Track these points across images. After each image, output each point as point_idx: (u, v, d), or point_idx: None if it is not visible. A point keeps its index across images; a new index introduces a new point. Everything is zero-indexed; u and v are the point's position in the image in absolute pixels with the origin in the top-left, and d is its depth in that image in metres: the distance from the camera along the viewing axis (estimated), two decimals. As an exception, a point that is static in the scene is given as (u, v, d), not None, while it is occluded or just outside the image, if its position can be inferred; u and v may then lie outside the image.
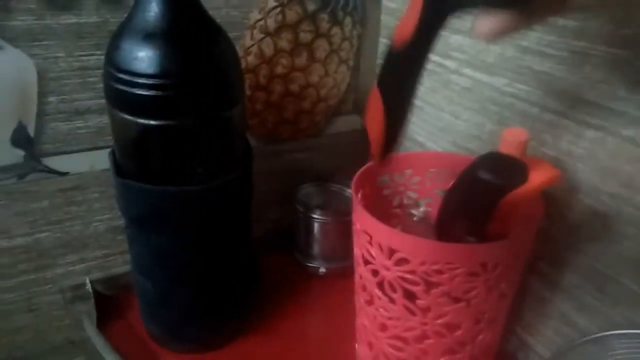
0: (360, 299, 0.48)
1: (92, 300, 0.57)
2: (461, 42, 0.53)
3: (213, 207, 0.46)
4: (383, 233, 0.40)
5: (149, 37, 0.39)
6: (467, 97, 0.54)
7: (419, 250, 0.38)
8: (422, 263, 0.38)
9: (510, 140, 0.35)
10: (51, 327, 0.59)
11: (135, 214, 0.46)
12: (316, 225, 0.62)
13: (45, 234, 0.55)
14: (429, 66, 0.58)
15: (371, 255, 0.42)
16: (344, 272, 0.64)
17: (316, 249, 0.64)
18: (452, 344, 0.44)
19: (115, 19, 0.49)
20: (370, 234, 0.41)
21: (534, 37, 0.45)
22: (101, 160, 0.54)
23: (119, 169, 0.45)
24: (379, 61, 0.67)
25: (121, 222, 0.58)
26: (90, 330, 0.55)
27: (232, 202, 0.48)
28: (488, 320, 0.44)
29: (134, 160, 0.44)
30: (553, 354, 0.39)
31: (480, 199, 0.34)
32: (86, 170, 0.54)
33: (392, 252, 0.39)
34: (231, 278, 0.52)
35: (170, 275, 0.49)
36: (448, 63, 0.56)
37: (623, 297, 0.42)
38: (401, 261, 0.39)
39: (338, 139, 0.71)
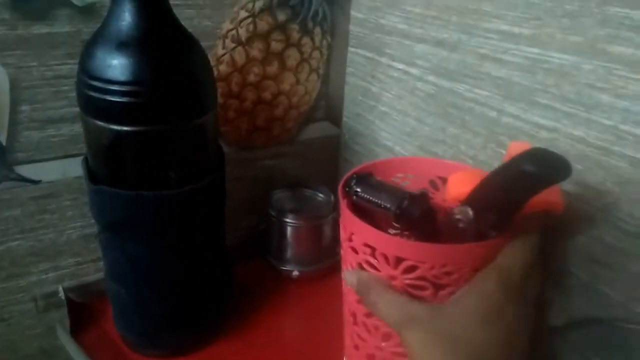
0: (356, 312, 0.48)
1: (66, 308, 0.57)
2: (425, 50, 0.56)
3: (186, 212, 0.47)
4: (389, 243, 0.40)
5: (122, 45, 0.40)
6: (431, 103, 0.57)
7: (428, 255, 0.39)
8: (432, 267, 0.39)
9: (514, 153, 0.37)
10: (23, 336, 0.59)
11: (108, 219, 0.46)
12: (289, 230, 0.63)
13: (18, 242, 0.55)
14: (395, 74, 0.61)
15: (374, 268, 0.42)
16: (316, 275, 0.65)
17: (289, 252, 0.65)
18: None
19: (88, 29, 0.50)
20: (373, 246, 0.41)
21: (491, 44, 0.48)
22: (73, 168, 0.54)
23: (92, 175, 0.46)
24: (349, 69, 0.69)
25: (93, 229, 0.58)
26: (64, 338, 0.55)
27: (206, 207, 0.49)
28: None
29: (107, 167, 0.45)
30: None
31: (520, 191, 0.35)
32: (59, 178, 0.55)
33: (398, 260, 0.40)
34: (205, 283, 0.52)
35: (144, 281, 0.49)
36: (413, 71, 0.58)
37: (577, 289, 0.45)
38: (409, 269, 0.40)
39: (310, 145, 0.72)
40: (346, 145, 0.74)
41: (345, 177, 0.48)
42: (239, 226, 0.68)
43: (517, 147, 0.38)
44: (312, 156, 0.74)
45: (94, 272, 0.60)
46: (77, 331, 0.56)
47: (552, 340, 0.48)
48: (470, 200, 0.38)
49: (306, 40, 0.64)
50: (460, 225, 0.38)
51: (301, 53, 0.65)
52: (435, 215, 0.42)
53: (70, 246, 0.58)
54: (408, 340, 0.35)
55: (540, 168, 0.33)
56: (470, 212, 0.37)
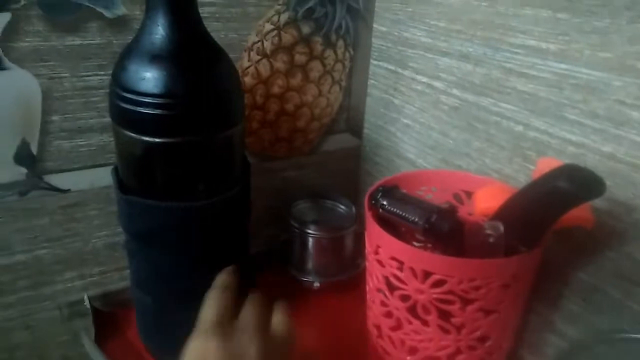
0: (381, 325, 0.48)
1: (90, 317, 0.57)
2: (449, 63, 0.56)
3: (214, 223, 0.47)
4: (418, 257, 0.41)
5: (155, 58, 0.41)
6: (455, 116, 0.57)
7: (457, 269, 0.39)
8: (460, 282, 0.39)
9: (544, 169, 0.37)
10: (48, 344, 0.59)
11: (137, 229, 0.47)
12: (310, 241, 0.64)
13: (45, 250, 0.56)
14: (418, 87, 0.61)
15: (400, 281, 0.43)
16: (338, 286, 0.65)
17: (310, 263, 0.65)
18: (483, 354, 0.45)
19: (119, 41, 0.51)
20: (401, 260, 0.42)
21: (518, 59, 0.48)
22: (101, 177, 0.55)
23: (122, 185, 0.46)
24: (371, 82, 0.70)
25: (119, 238, 0.59)
26: (89, 346, 0.56)
27: (232, 217, 0.49)
28: (511, 327, 0.46)
29: (138, 177, 0.45)
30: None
31: (553, 207, 0.36)
32: (87, 188, 0.55)
33: (426, 274, 0.40)
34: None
35: (170, 290, 0.49)
36: (437, 84, 0.58)
37: (607, 307, 0.45)
38: (437, 283, 0.40)
39: (331, 156, 0.73)
40: (367, 157, 0.74)
41: (371, 190, 0.48)
42: (259, 235, 0.68)
43: (546, 163, 0.38)
44: (333, 167, 0.74)
45: (119, 280, 0.61)
46: (101, 339, 0.56)
47: (579, 355, 0.47)
48: (501, 215, 0.38)
49: (329, 52, 0.65)
50: (491, 240, 0.38)
51: (324, 65, 0.65)
52: (463, 230, 0.42)
53: (95, 255, 0.59)
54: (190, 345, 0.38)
55: (574, 185, 0.33)
56: (502, 227, 0.37)
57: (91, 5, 0.49)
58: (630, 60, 0.39)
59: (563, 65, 0.44)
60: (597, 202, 0.42)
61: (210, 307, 0.41)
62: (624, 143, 0.41)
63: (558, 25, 0.44)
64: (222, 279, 0.44)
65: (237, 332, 0.38)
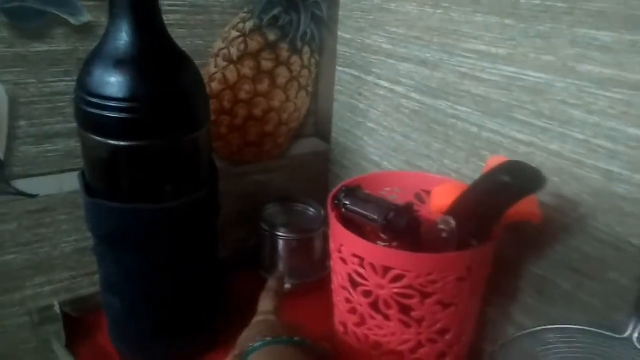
0: (346, 322, 0.50)
1: (61, 322, 0.58)
2: (409, 69, 0.58)
3: (181, 225, 0.48)
4: (377, 253, 0.42)
5: (119, 63, 0.42)
6: (416, 119, 0.59)
7: (414, 264, 0.41)
8: (418, 276, 0.41)
9: (493, 166, 0.39)
10: (18, 350, 0.59)
11: (105, 232, 0.48)
12: (281, 243, 0.65)
13: (13, 256, 0.56)
14: (381, 92, 0.63)
15: (362, 277, 0.44)
16: (308, 287, 0.67)
17: (281, 266, 0.66)
18: (444, 347, 0.47)
19: (84, 47, 0.52)
20: (361, 256, 0.43)
21: (470, 63, 0.50)
22: (69, 182, 0.55)
23: (88, 189, 0.47)
24: (337, 87, 0.71)
25: (88, 243, 0.59)
26: (60, 351, 0.56)
27: (200, 220, 0.50)
28: (470, 320, 0.47)
29: (104, 180, 0.46)
30: (494, 349, 0.42)
31: (498, 201, 0.38)
32: (55, 193, 0.56)
33: (386, 270, 0.42)
34: (198, 295, 0.54)
35: (139, 292, 0.50)
36: (398, 88, 0.61)
37: (559, 297, 0.47)
38: (396, 278, 0.42)
39: (299, 160, 0.74)
40: (335, 160, 0.76)
41: (334, 190, 0.50)
42: (229, 239, 0.69)
43: (494, 161, 0.41)
44: (302, 171, 0.76)
45: (89, 285, 0.61)
46: (72, 345, 0.57)
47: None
48: (452, 211, 0.40)
49: (295, 59, 0.67)
50: (444, 235, 0.40)
51: (291, 71, 0.67)
52: (420, 226, 0.44)
53: (65, 260, 0.59)
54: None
55: (515, 179, 0.35)
56: (453, 222, 0.39)
57: (57, 13, 0.50)
58: (571, 62, 0.42)
59: (511, 69, 0.47)
60: (545, 198, 0.45)
61: (264, 300, 0.51)
62: (569, 141, 0.43)
63: (505, 31, 0.47)
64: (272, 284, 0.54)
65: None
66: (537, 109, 0.45)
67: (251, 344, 0.42)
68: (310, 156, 0.75)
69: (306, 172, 0.76)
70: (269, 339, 0.41)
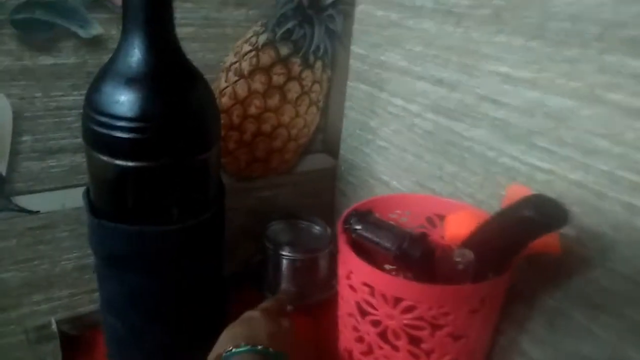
0: (352, 350, 0.48)
1: (58, 341, 0.56)
2: (425, 87, 0.57)
3: (187, 246, 0.46)
4: (389, 283, 0.41)
5: (130, 81, 0.40)
6: (429, 140, 0.58)
7: (427, 296, 0.39)
8: (430, 308, 0.39)
9: (513, 197, 0.38)
10: (13, 369, 0.58)
11: (108, 253, 0.46)
12: (285, 262, 0.63)
13: (11, 273, 0.54)
14: (394, 110, 0.62)
15: (372, 307, 0.43)
16: (312, 308, 0.65)
17: (285, 285, 0.65)
18: None
19: (94, 61, 0.51)
20: (372, 285, 0.42)
21: (490, 86, 0.49)
22: (72, 198, 0.54)
23: (93, 208, 0.45)
24: (348, 103, 0.70)
25: (89, 260, 0.58)
26: (56, 371, 0.54)
27: (206, 240, 0.49)
28: (480, 351, 0.46)
29: (110, 200, 0.45)
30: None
31: (521, 235, 0.37)
32: (56, 209, 0.54)
33: (397, 300, 0.40)
34: (203, 317, 0.52)
35: (142, 314, 0.48)
36: (412, 107, 0.59)
37: (572, 330, 0.45)
38: (408, 309, 0.40)
39: (307, 176, 0.73)
40: (342, 177, 0.75)
41: (345, 214, 0.48)
42: (233, 256, 0.67)
43: (516, 191, 0.39)
44: (309, 187, 0.74)
45: (88, 303, 0.60)
46: (69, 364, 0.55)
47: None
48: (470, 242, 0.39)
49: (307, 73, 0.65)
50: (460, 267, 0.38)
51: (302, 86, 0.66)
52: (434, 256, 0.43)
53: (64, 277, 0.57)
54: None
55: (540, 215, 0.34)
56: (470, 255, 0.38)
57: (65, 25, 0.48)
58: (599, 90, 0.41)
59: (534, 93, 0.45)
60: (565, 229, 0.43)
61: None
62: (591, 171, 0.42)
63: (530, 54, 0.45)
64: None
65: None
66: (560, 136, 0.44)
67: (226, 351, 0.42)
68: (317, 172, 0.74)
69: (312, 188, 0.75)
70: (241, 348, 0.41)
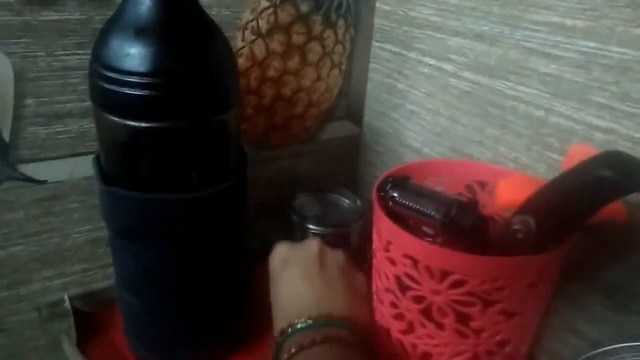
0: (390, 328, 0.45)
1: (71, 318, 0.53)
2: (461, 44, 0.52)
3: (207, 217, 0.43)
4: (436, 255, 0.37)
5: (140, 32, 0.36)
6: (467, 101, 0.53)
7: (480, 269, 0.36)
8: (483, 282, 0.36)
9: (577, 157, 0.33)
10: (25, 347, 0.55)
11: (122, 224, 0.43)
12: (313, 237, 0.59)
13: (20, 247, 0.51)
14: (425, 70, 0.57)
15: (414, 281, 0.39)
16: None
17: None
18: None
19: (100, 16, 0.46)
20: (415, 258, 0.38)
21: (539, 38, 0.44)
22: (82, 167, 0.50)
23: (104, 176, 0.42)
24: (372, 65, 0.65)
25: (102, 233, 0.54)
26: (69, 350, 0.51)
27: (226, 211, 0.45)
28: (532, 329, 0.42)
29: (122, 167, 0.41)
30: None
31: (593, 199, 0.32)
32: (66, 179, 0.51)
33: (444, 274, 0.37)
34: (223, 291, 0.49)
35: (160, 290, 0.45)
36: (446, 66, 0.54)
37: (635, 307, 0.41)
38: (456, 283, 0.37)
39: (329, 145, 0.69)
40: (367, 145, 0.70)
41: (379, 181, 0.44)
42: (253, 230, 0.64)
43: (580, 151, 0.35)
44: (331, 157, 0.70)
45: (103, 279, 0.56)
46: (83, 343, 0.52)
47: None
48: (531, 208, 0.34)
49: (329, 33, 0.60)
50: (519, 235, 0.34)
51: (323, 47, 0.61)
52: (487, 225, 0.38)
53: (76, 251, 0.54)
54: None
55: (619, 174, 0.29)
56: (533, 222, 0.33)
57: (68, -25, 0.44)
58: (670, 36, 0.36)
59: (591, 44, 0.40)
60: (630, 196, 0.39)
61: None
62: (660, 129, 0.37)
63: (586, 0, 0.40)
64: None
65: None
66: (622, 91, 0.39)
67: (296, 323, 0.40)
68: (341, 140, 0.69)
69: (335, 157, 0.70)
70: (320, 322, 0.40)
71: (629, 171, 0.30)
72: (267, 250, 0.64)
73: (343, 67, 0.64)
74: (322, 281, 0.45)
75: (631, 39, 0.38)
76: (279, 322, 0.43)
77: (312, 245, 0.49)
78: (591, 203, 0.32)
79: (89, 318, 0.55)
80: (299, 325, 0.40)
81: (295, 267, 0.47)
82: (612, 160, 0.30)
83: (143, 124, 0.37)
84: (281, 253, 0.49)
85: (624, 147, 0.39)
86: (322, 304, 0.42)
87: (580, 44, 0.41)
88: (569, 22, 0.42)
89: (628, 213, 0.38)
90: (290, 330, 0.40)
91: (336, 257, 0.48)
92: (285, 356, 0.38)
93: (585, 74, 0.41)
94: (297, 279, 0.45)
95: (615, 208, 0.37)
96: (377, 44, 0.64)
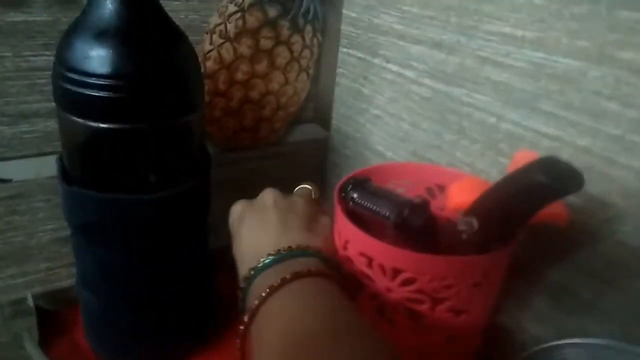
0: None
1: (34, 316, 0.53)
2: (422, 51, 0.53)
3: (166, 218, 0.43)
4: (388, 253, 0.38)
5: (102, 35, 0.37)
6: (427, 107, 0.55)
7: (429, 267, 0.37)
8: (432, 280, 0.37)
9: (521, 162, 0.35)
10: (-14, 345, 0.55)
11: (81, 223, 0.43)
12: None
13: (-17, 245, 0.51)
14: (389, 76, 0.59)
15: (368, 278, 0.40)
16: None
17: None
18: (451, 356, 0.43)
19: (67, 18, 0.47)
20: (370, 256, 0.39)
21: (492, 47, 0.46)
22: (48, 166, 0.51)
23: (66, 175, 0.42)
24: (339, 70, 0.67)
25: (67, 232, 0.54)
26: (31, 349, 0.51)
27: (188, 212, 0.46)
28: (480, 327, 0.44)
29: (83, 166, 0.41)
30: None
31: (530, 202, 0.34)
32: (31, 178, 0.51)
33: (396, 272, 0.38)
34: (185, 293, 0.49)
35: (117, 289, 0.46)
36: (408, 73, 0.56)
37: (577, 306, 0.43)
38: (407, 281, 0.38)
39: (297, 147, 0.70)
40: (334, 148, 0.72)
41: (341, 182, 0.46)
42: (220, 230, 0.65)
43: (524, 157, 0.36)
44: (299, 159, 0.71)
45: (66, 278, 0.57)
46: (46, 342, 0.52)
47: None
48: (475, 210, 0.36)
49: (296, 38, 0.62)
50: (464, 236, 0.36)
51: (291, 52, 0.62)
52: (436, 225, 0.40)
53: (40, 250, 0.54)
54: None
55: (553, 179, 0.31)
56: (476, 223, 0.35)
57: (34, -23, 0.45)
58: (609, 49, 0.38)
59: (539, 54, 0.42)
60: (570, 198, 0.41)
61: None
62: (600, 136, 0.39)
63: (535, 12, 0.42)
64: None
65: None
66: (567, 100, 0.41)
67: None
68: (308, 143, 0.71)
69: (303, 160, 0.72)
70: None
71: (560, 175, 0.32)
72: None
73: (311, 71, 0.65)
74: (279, 224, 0.43)
75: (575, 50, 0.40)
76: (241, 272, 0.41)
77: (267, 194, 0.47)
78: (529, 205, 0.34)
79: (52, 317, 0.55)
80: (261, 264, 0.38)
81: (252, 218, 0.45)
82: (546, 165, 0.32)
83: (103, 125, 0.38)
84: (237, 209, 0.48)
85: (567, 153, 0.41)
86: (282, 241, 0.40)
87: (529, 54, 0.43)
88: (519, 32, 0.44)
89: (571, 216, 0.41)
90: (252, 272, 0.38)
91: (293, 201, 0.47)
92: (256, 302, 0.35)
93: (534, 82, 0.43)
94: (254, 229, 0.44)
95: (558, 212, 0.39)
96: (344, 49, 0.66)
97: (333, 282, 0.37)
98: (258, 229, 0.43)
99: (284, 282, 0.35)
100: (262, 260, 0.39)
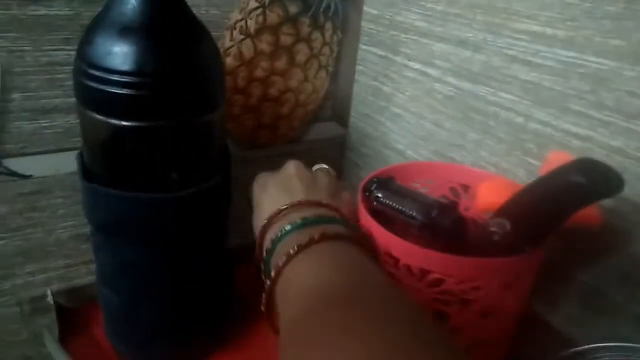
0: None
1: (54, 313, 0.53)
2: (445, 49, 0.52)
3: (187, 217, 0.43)
4: (416, 254, 0.37)
5: (125, 31, 0.36)
6: (450, 106, 0.54)
7: (458, 268, 0.36)
8: (460, 281, 0.36)
9: (554, 163, 0.34)
10: (7, 343, 0.55)
11: (101, 221, 0.43)
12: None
13: (4, 241, 0.51)
14: (410, 74, 0.58)
15: (396, 279, 0.40)
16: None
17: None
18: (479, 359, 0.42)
19: (88, 13, 0.46)
20: (396, 256, 0.39)
21: (521, 46, 0.45)
22: (67, 163, 0.50)
23: (86, 172, 0.42)
24: (359, 67, 0.66)
25: (87, 229, 0.54)
26: (51, 345, 0.51)
27: (208, 211, 0.45)
28: (509, 330, 0.43)
29: (103, 164, 0.41)
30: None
31: (567, 203, 0.33)
32: (51, 174, 0.51)
33: (424, 273, 0.37)
34: (204, 291, 0.49)
35: (137, 287, 0.45)
36: (431, 71, 0.55)
37: (608, 309, 0.42)
38: (435, 282, 0.37)
39: (315, 145, 0.69)
40: (353, 146, 0.71)
41: (364, 181, 0.45)
42: (239, 228, 0.64)
43: (558, 158, 0.35)
44: (317, 157, 0.69)
45: (86, 275, 0.56)
46: (65, 338, 0.52)
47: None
48: (507, 211, 0.35)
49: (317, 35, 0.61)
50: (495, 238, 0.35)
51: (311, 48, 0.61)
52: (466, 226, 0.39)
53: (60, 247, 0.54)
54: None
55: (591, 180, 0.30)
56: (508, 225, 0.34)
57: (57, -28, 0.44)
58: (645, 48, 0.37)
59: (570, 53, 0.41)
60: (604, 200, 0.40)
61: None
62: (634, 137, 0.38)
63: (566, 10, 0.41)
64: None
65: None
66: (598, 100, 0.40)
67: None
68: (327, 141, 0.70)
69: (321, 158, 0.70)
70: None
71: (600, 178, 0.31)
72: (251, 246, 0.65)
73: (330, 68, 0.65)
74: (303, 194, 0.42)
75: (607, 50, 0.39)
76: (266, 239, 0.40)
77: (290, 165, 0.47)
78: (565, 207, 0.33)
79: (71, 313, 0.55)
80: (288, 227, 0.37)
81: (274, 187, 0.44)
82: (585, 167, 0.31)
83: (125, 123, 0.37)
84: (261, 180, 0.47)
85: (599, 154, 0.40)
86: (307, 211, 0.39)
87: (560, 53, 0.42)
88: (549, 31, 0.43)
89: (604, 218, 0.39)
90: (280, 234, 0.37)
91: (316, 174, 0.46)
92: (284, 259, 0.34)
93: (564, 82, 0.42)
94: (277, 197, 0.43)
95: (591, 213, 0.38)
96: (364, 47, 0.65)
97: (362, 248, 0.36)
98: (281, 198, 0.42)
99: (312, 241, 0.34)
100: (289, 224, 0.38)
